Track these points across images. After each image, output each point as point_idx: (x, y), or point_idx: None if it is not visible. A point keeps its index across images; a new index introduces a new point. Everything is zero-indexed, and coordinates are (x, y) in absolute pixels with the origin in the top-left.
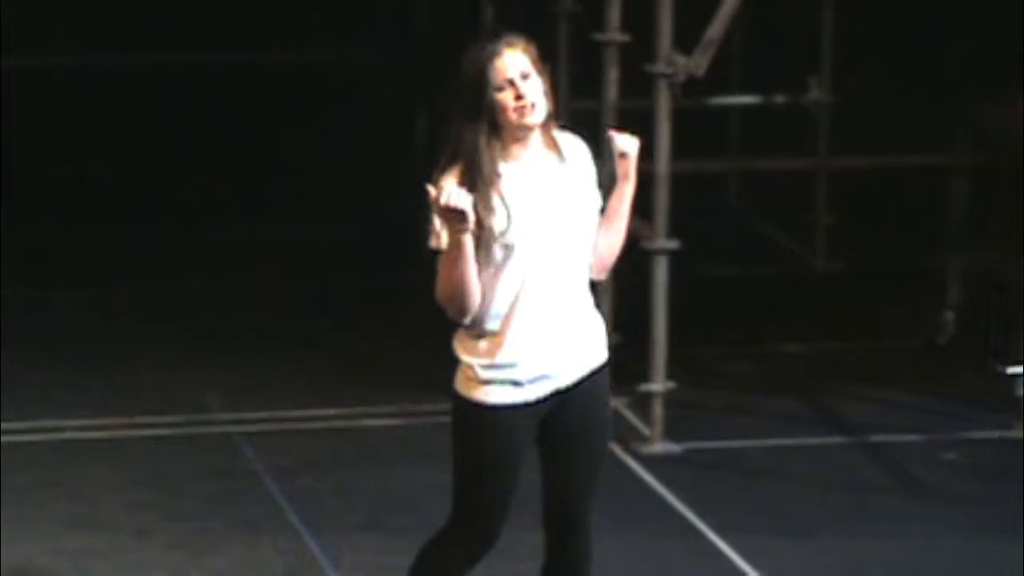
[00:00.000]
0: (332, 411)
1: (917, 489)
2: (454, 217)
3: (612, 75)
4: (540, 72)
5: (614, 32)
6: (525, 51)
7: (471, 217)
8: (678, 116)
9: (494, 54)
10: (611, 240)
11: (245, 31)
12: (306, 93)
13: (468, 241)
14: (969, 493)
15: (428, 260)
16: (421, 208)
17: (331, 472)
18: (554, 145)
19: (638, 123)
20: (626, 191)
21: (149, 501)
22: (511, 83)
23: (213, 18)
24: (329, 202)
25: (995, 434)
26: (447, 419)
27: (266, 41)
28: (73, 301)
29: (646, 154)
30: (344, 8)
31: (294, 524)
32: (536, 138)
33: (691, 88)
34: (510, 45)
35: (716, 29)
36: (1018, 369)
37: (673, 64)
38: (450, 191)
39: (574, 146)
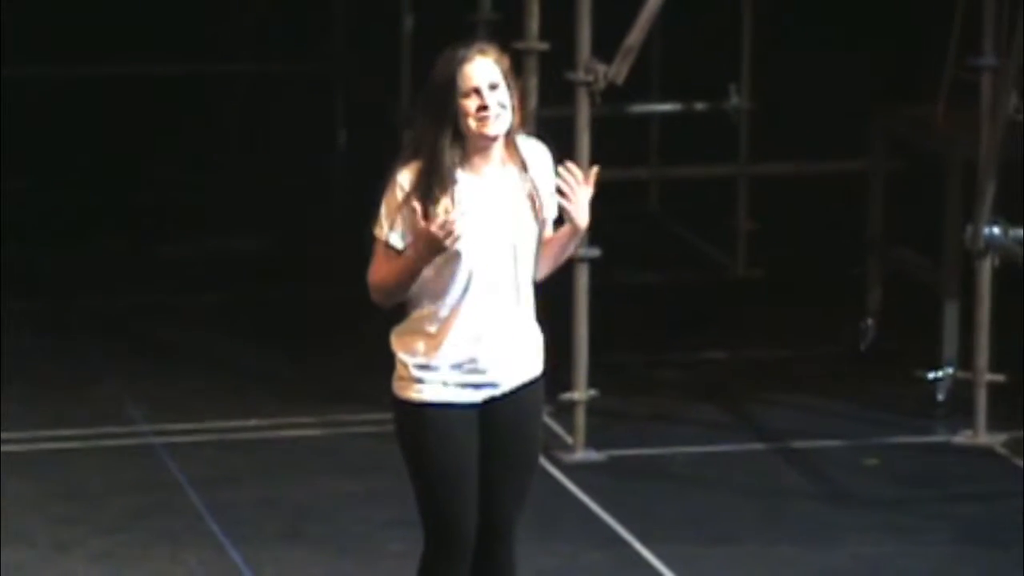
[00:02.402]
0: (252, 422)
1: (839, 495)
2: (444, 239)
3: (532, 83)
4: (510, 85)
5: (534, 40)
6: (497, 61)
7: (453, 246)
8: (598, 124)
9: (465, 60)
10: (546, 264)
11: (178, 43)
12: (206, 103)
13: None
14: (890, 498)
15: (346, 265)
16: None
17: (252, 483)
18: (516, 156)
19: (558, 131)
20: (575, 235)
21: (70, 514)
22: (477, 91)
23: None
24: (246, 213)
25: (915, 439)
26: (367, 429)
27: (181, 53)
28: None
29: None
30: (263, 20)
31: (216, 535)
32: (498, 149)
33: (611, 96)
34: (482, 52)
35: (635, 36)
36: (938, 374)
37: (593, 72)
38: (455, 218)
39: (537, 153)
